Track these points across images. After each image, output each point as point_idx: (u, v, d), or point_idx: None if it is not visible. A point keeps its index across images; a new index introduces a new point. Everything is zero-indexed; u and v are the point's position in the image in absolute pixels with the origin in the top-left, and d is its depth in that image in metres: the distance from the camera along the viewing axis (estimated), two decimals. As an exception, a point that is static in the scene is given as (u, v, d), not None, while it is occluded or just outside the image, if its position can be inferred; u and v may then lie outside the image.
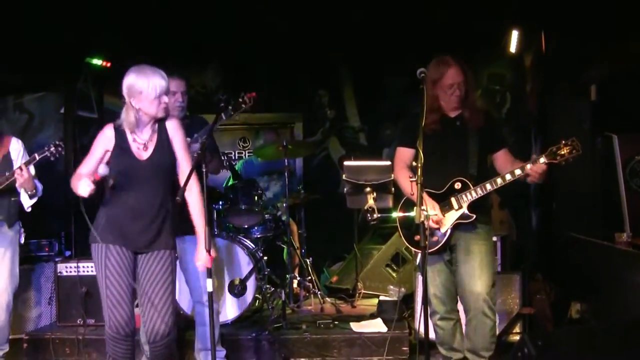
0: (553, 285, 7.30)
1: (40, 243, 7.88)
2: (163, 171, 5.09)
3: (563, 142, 5.13)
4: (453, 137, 5.49)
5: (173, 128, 5.15)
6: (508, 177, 5.26)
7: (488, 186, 5.33)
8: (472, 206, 5.37)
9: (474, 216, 5.38)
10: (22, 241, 6.66)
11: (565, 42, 8.03)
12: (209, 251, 5.06)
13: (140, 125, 5.08)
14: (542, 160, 5.16)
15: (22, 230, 6.60)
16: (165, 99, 5.02)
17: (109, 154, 5.08)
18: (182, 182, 5.03)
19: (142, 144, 5.06)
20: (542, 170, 5.21)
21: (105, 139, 5.09)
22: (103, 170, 4.96)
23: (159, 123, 5.14)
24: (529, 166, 5.20)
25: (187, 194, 5.00)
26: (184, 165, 5.15)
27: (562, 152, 5.13)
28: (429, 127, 5.33)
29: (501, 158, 5.57)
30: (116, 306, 4.94)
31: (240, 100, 5.74)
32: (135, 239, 5.03)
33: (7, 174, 6.20)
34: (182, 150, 5.17)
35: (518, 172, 5.23)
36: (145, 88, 4.95)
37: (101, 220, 5.09)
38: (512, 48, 8.93)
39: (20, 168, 6.08)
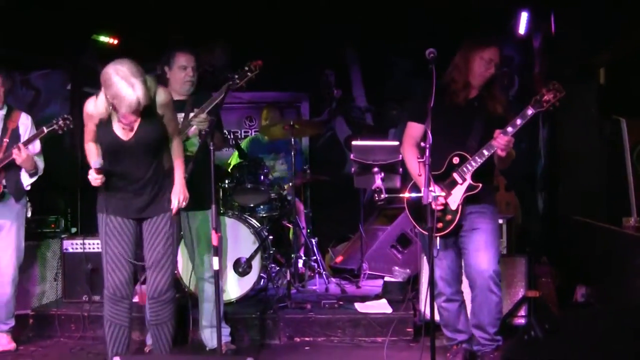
0: (558, 268, 7.28)
1: (47, 219, 7.88)
2: (149, 147, 5.11)
3: (544, 89, 5.18)
4: (463, 116, 5.45)
5: (162, 101, 5.11)
6: (519, 121, 5.22)
7: (485, 152, 5.30)
8: (475, 175, 5.36)
9: (480, 184, 5.36)
10: (29, 215, 6.69)
11: (575, 25, 7.99)
12: (215, 229, 5.07)
13: None
14: (530, 111, 5.17)
15: (30, 204, 6.62)
16: (136, 112, 4.89)
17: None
18: (172, 156, 5.20)
19: (127, 124, 5.00)
20: (507, 142, 5.21)
21: (88, 118, 5.12)
22: (97, 164, 4.99)
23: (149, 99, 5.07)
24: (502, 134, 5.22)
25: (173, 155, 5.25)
26: (175, 134, 5.28)
27: (547, 98, 5.16)
28: (450, 97, 5.39)
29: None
30: (114, 269, 5.13)
31: (247, 68, 5.73)
32: (131, 208, 5.17)
33: (9, 151, 6.21)
34: (171, 122, 5.22)
35: (510, 129, 5.21)
36: (114, 95, 4.79)
37: (102, 191, 5.19)
38: (521, 30, 8.88)
39: (18, 147, 6.09)
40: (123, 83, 4.75)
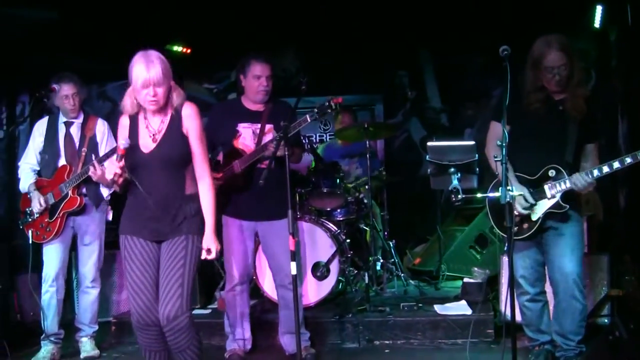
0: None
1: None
2: (170, 163, 4.89)
3: None
4: (553, 121, 5.32)
5: (188, 116, 4.93)
6: (606, 169, 5.09)
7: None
8: (565, 196, 5.25)
9: (567, 207, 5.24)
10: (110, 218, 6.82)
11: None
12: (292, 234, 5.08)
13: (149, 112, 4.95)
14: (629, 160, 4.98)
15: (109, 207, 6.74)
16: (150, 91, 4.77)
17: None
18: (196, 172, 4.95)
19: (152, 134, 4.91)
20: (589, 183, 5.14)
21: (122, 130, 5.01)
22: (125, 143, 4.82)
23: (174, 110, 4.94)
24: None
25: (199, 185, 4.96)
26: (197, 156, 4.95)
27: None
28: (532, 106, 5.27)
29: (587, 151, 5.42)
30: (134, 296, 4.88)
31: (327, 104, 5.72)
32: (150, 229, 4.91)
33: (90, 162, 6.30)
34: (196, 140, 4.94)
35: (616, 165, 5.04)
36: (133, 77, 4.80)
37: (124, 212, 5.05)
38: (596, 23, 8.73)
39: (93, 165, 6.18)
40: (141, 59, 4.77)
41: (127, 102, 4.94)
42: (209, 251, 4.91)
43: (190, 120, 4.93)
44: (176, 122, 4.93)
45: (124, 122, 5.01)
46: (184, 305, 4.83)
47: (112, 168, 4.79)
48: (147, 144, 4.91)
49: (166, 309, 4.79)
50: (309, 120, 5.74)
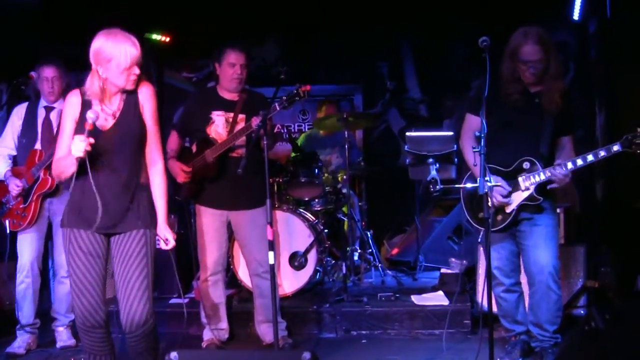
0: (619, 257, 7.16)
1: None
2: (128, 142, 4.61)
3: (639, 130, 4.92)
4: (529, 114, 5.30)
5: (145, 95, 4.66)
6: (580, 162, 5.09)
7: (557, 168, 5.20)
8: (539, 188, 5.25)
9: (541, 199, 5.24)
10: None
11: (632, 6, 7.82)
12: (270, 224, 5.07)
13: (109, 95, 4.61)
14: (616, 148, 4.95)
15: None
16: (136, 70, 4.51)
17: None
18: (147, 157, 4.73)
19: (109, 115, 4.59)
20: (565, 175, 5.12)
21: (71, 107, 4.63)
22: (94, 117, 4.39)
23: (131, 90, 4.63)
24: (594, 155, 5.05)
25: (151, 170, 4.73)
26: (151, 137, 4.71)
27: (639, 142, 4.90)
28: (511, 97, 5.26)
29: (563, 143, 5.44)
30: (79, 295, 4.56)
31: (295, 92, 5.70)
32: (101, 220, 4.50)
33: None
34: (151, 120, 4.70)
35: (590, 158, 5.04)
36: (116, 56, 4.45)
37: (68, 203, 4.72)
38: (575, 15, 8.75)
39: None
40: (122, 36, 4.50)
41: (96, 85, 4.54)
42: (166, 241, 4.75)
43: (146, 99, 4.68)
44: (134, 99, 4.66)
45: (74, 101, 4.65)
46: (151, 308, 4.62)
47: (80, 145, 4.32)
48: (104, 123, 4.60)
49: (135, 315, 4.56)
50: (277, 108, 5.69)
